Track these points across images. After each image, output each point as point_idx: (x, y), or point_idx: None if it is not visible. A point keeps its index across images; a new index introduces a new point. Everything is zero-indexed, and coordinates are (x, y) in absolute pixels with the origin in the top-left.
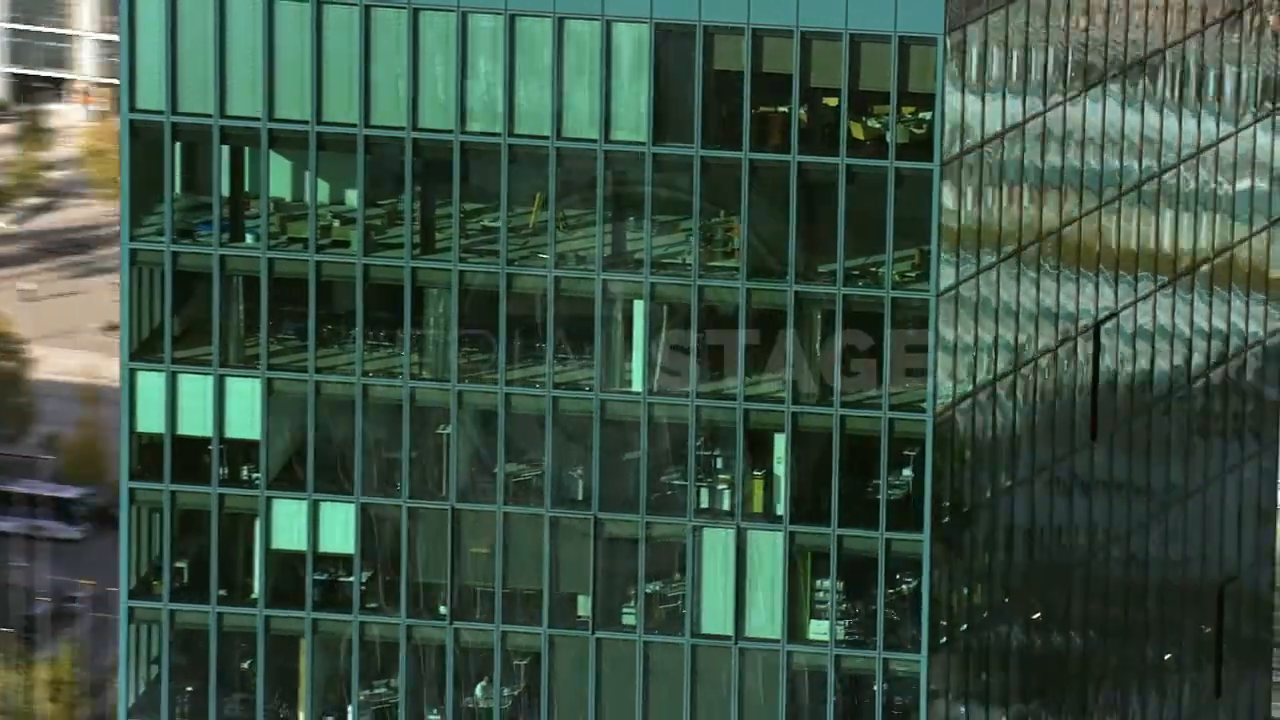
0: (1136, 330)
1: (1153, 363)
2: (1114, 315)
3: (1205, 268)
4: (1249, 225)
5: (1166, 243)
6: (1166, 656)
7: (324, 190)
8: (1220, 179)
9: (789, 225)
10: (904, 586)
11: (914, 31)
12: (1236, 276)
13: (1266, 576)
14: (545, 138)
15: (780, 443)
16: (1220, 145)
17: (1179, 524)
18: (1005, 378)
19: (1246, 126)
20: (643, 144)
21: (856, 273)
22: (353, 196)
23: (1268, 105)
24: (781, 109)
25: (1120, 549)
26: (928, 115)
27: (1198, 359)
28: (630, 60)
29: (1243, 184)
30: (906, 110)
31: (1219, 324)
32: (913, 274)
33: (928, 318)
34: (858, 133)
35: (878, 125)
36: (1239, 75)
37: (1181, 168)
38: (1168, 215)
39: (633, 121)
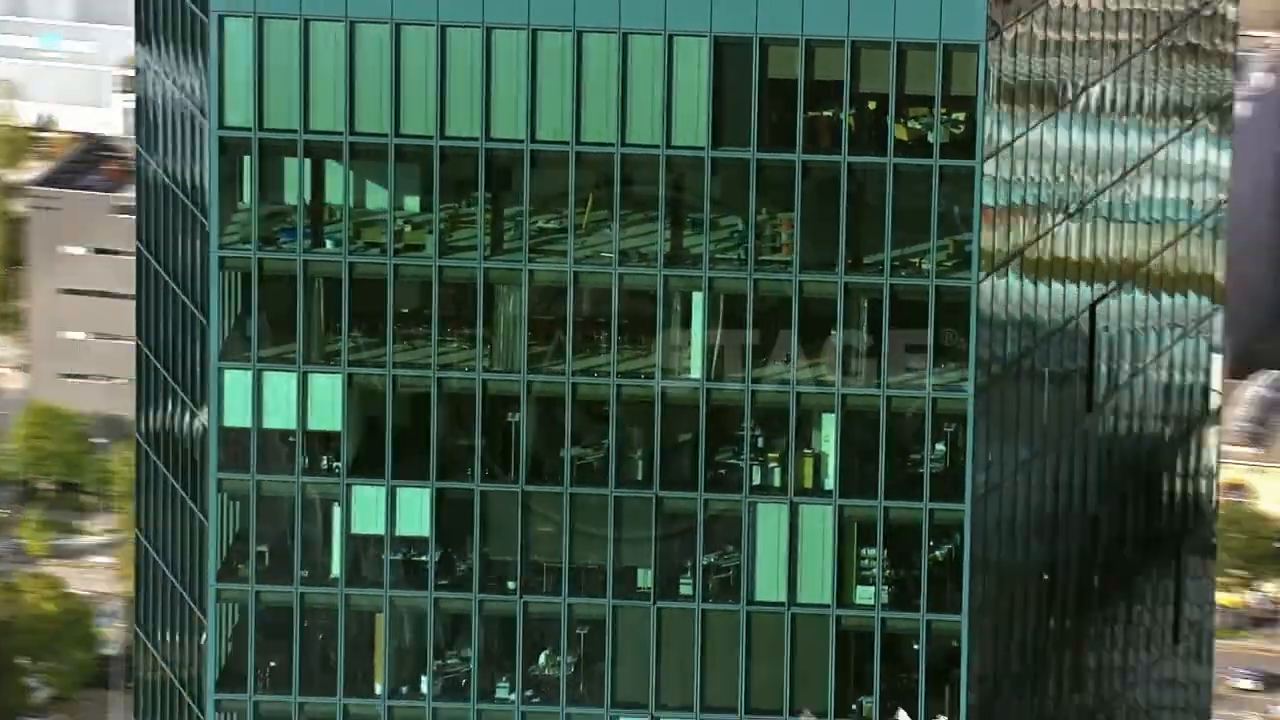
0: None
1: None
2: (1104, 297)
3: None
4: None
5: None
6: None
7: (383, 197)
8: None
9: (836, 221)
10: (939, 553)
11: (957, 39)
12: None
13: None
14: (610, 144)
15: (829, 422)
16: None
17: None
18: (1025, 357)
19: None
20: (702, 148)
21: (897, 263)
22: (413, 203)
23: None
24: (827, 113)
25: (1111, 504)
26: (959, 115)
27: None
28: (690, 71)
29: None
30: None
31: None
32: (949, 264)
33: (968, 303)
34: (900, 134)
35: (918, 127)
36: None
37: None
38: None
39: (692, 128)
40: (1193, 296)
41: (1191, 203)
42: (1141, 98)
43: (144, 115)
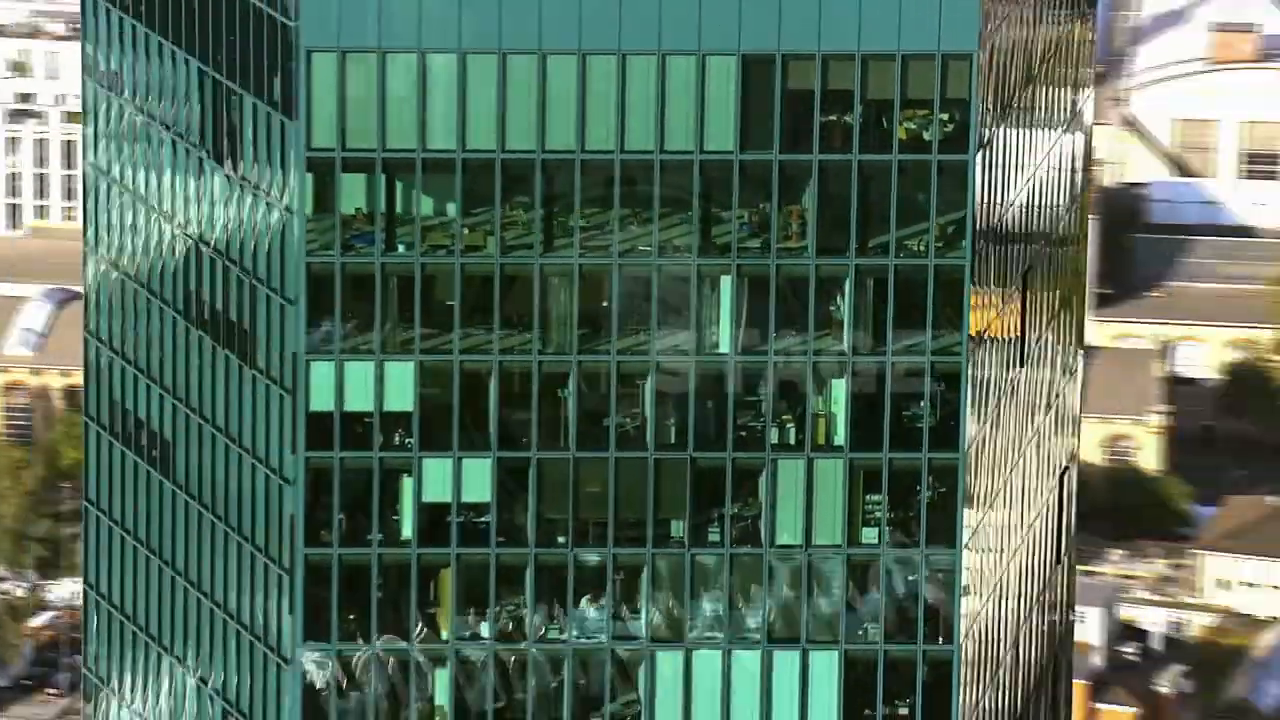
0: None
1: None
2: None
3: None
4: None
5: None
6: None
7: (449, 206)
8: None
9: (847, 211)
10: (935, 495)
11: (953, 49)
12: None
13: None
14: (650, 151)
15: (839, 386)
16: None
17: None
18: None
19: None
20: (731, 152)
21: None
22: (475, 208)
23: None
24: (834, 118)
25: None
26: (945, 116)
27: None
28: (721, 86)
29: None
30: (924, 113)
31: None
32: (940, 245)
33: (962, 280)
34: (901, 134)
35: (914, 127)
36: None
37: None
38: None
39: (723, 134)
40: None
41: None
42: None
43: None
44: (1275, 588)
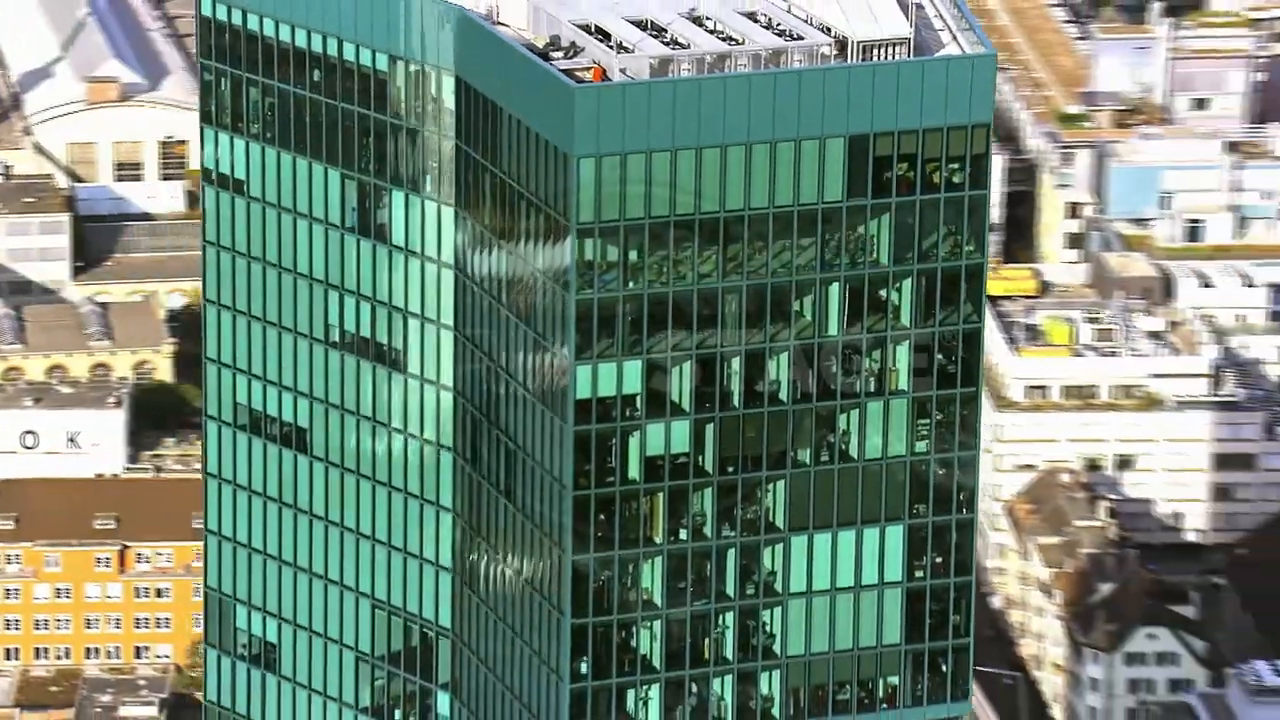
0: None
1: None
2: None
3: None
4: None
5: None
6: None
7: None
8: None
9: (914, 233)
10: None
11: (979, 120)
12: None
13: None
14: (789, 204)
15: (904, 350)
16: None
17: None
18: None
19: None
20: (840, 200)
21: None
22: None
23: None
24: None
25: None
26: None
27: None
28: (836, 155)
29: None
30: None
31: None
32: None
33: (982, 271)
34: (935, 178)
35: (946, 173)
36: None
37: None
38: None
39: (836, 186)
40: None
41: None
42: None
43: None
44: None
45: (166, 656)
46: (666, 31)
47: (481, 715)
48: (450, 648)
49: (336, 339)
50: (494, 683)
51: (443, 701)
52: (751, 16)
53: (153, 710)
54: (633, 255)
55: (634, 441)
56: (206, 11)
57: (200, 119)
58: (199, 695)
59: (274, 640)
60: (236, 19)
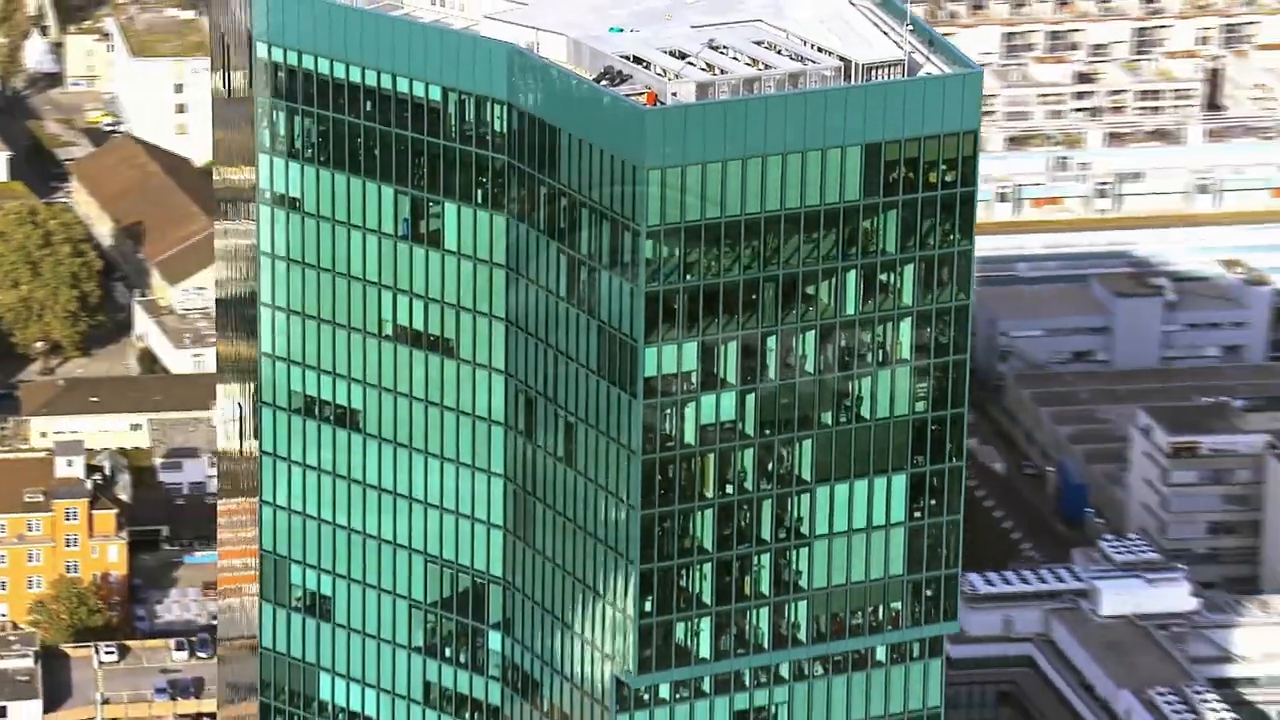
0: None
1: None
2: None
3: None
4: None
5: None
6: None
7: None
8: None
9: (916, 225)
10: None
11: (969, 128)
12: None
13: None
14: (816, 204)
15: (906, 326)
16: None
17: None
18: None
19: None
20: (857, 200)
21: (939, 241)
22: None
23: None
24: (891, 174)
25: None
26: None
27: None
28: (854, 160)
29: None
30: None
31: None
32: (959, 237)
33: (971, 252)
34: (933, 178)
35: (940, 172)
36: None
37: None
38: None
39: (854, 186)
40: None
41: None
42: None
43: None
44: None
45: (3, 615)
46: (696, 59)
47: (536, 649)
48: (500, 592)
49: (390, 332)
50: (552, 621)
51: (494, 639)
52: (763, 44)
53: (29, 661)
54: (690, 253)
55: (689, 412)
56: (262, 55)
57: (256, 147)
58: (65, 649)
59: (328, 593)
60: (292, 60)
